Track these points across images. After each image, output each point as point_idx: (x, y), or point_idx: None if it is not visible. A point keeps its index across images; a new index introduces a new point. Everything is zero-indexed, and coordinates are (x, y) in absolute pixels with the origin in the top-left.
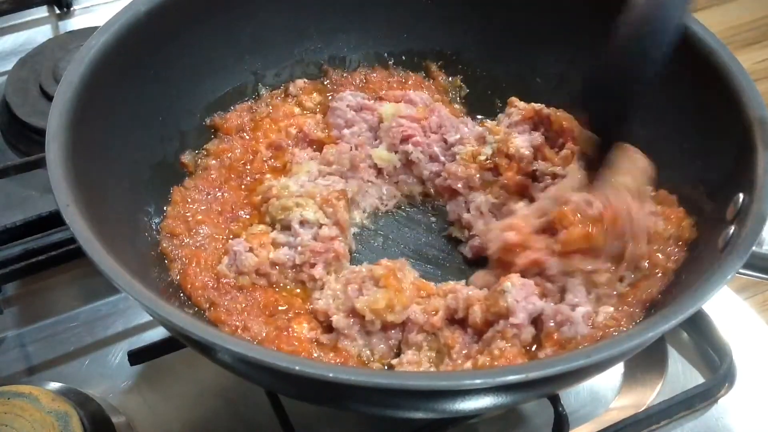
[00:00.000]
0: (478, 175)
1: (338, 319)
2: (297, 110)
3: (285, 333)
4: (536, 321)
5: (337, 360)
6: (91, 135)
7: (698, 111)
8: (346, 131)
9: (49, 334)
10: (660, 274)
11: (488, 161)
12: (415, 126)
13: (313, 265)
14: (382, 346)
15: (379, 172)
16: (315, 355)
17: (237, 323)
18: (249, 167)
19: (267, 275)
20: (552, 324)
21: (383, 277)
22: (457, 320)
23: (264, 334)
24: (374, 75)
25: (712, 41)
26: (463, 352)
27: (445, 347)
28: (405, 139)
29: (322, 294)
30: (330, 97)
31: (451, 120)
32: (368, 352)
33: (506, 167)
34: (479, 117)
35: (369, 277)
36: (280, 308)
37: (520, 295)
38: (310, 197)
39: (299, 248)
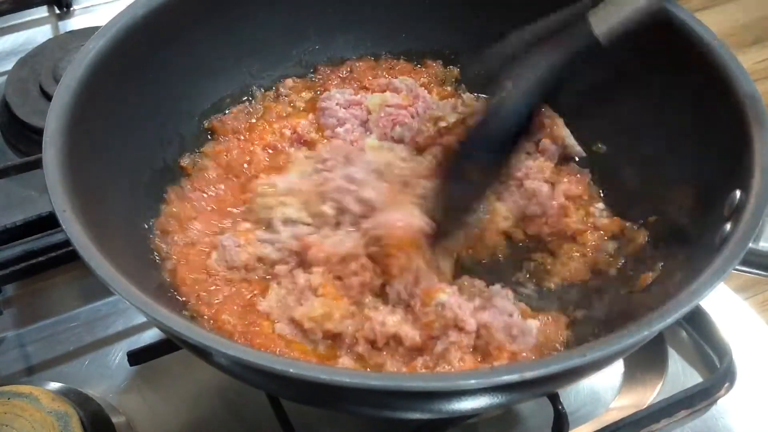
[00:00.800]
0: (427, 133)
1: (281, 327)
2: (290, 110)
3: (255, 328)
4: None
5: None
6: (88, 139)
7: (695, 109)
8: (339, 129)
9: (48, 334)
10: None
11: (446, 126)
12: (403, 113)
13: (285, 263)
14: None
15: None
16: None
17: (213, 317)
18: (246, 167)
19: (256, 270)
20: (502, 336)
21: (321, 286)
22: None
23: (236, 328)
24: (359, 65)
25: (710, 39)
26: (403, 369)
27: (376, 366)
28: (394, 127)
29: (266, 299)
30: (319, 93)
31: (438, 104)
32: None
33: (452, 131)
34: None
35: (307, 287)
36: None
37: (459, 303)
38: (295, 195)
39: (277, 245)
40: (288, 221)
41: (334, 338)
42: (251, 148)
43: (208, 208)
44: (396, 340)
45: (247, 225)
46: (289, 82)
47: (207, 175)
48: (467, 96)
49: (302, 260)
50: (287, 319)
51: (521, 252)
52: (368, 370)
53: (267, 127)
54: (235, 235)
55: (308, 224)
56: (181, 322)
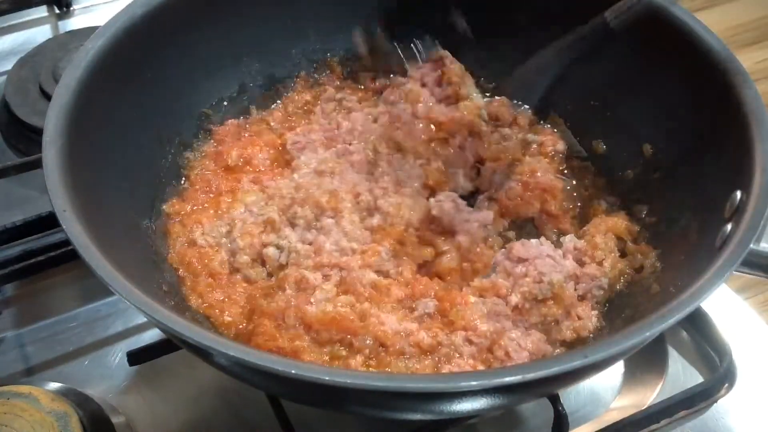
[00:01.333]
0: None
1: (287, 327)
2: (289, 110)
3: (258, 328)
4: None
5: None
6: (88, 139)
7: (696, 109)
8: (338, 131)
9: (48, 335)
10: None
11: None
12: (406, 114)
13: (294, 264)
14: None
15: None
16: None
17: (214, 317)
18: (246, 167)
19: (258, 271)
20: (506, 341)
21: (331, 288)
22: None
23: (238, 329)
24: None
25: (710, 39)
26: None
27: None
28: (396, 130)
29: (275, 299)
30: (319, 93)
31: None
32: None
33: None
34: None
35: (316, 288)
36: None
37: (489, 304)
38: (295, 196)
39: (285, 249)
40: (294, 225)
41: (342, 340)
42: (251, 149)
43: (208, 209)
44: (405, 341)
45: (249, 226)
46: (289, 82)
47: (207, 175)
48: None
49: (313, 262)
50: (294, 319)
51: None
52: (370, 370)
53: (266, 127)
54: (236, 236)
55: (313, 226)
56: (181, 322)
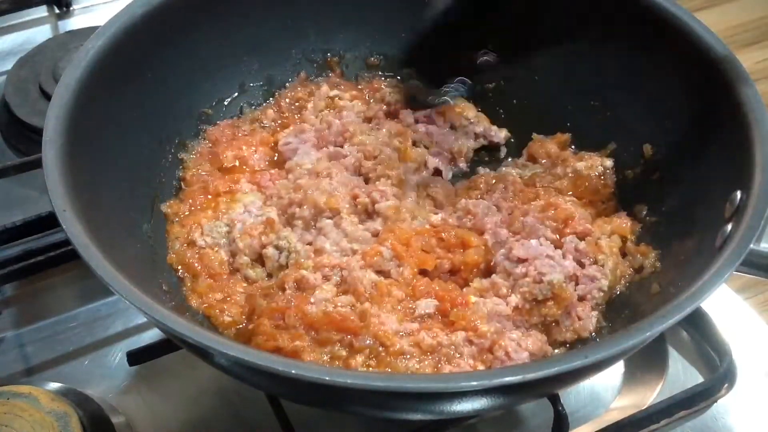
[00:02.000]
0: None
1: (287, 326)
2: (289, 110)
3: (258, 328)
4: None
5: None
6: (88, 139)
7: (695, 109)
8: (329, 131)
9: (48, 335)
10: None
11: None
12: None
13: (295, 265)
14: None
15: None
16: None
17: (214, 316)
18: (244, 168)
19: (257, 271)
20: (507, 341)
21: (330, 287)
22: None
23: (238, 328)
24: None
25: (710, 39)
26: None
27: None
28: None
29: (275, 299)
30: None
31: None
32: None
33: None
34: None
35: (316, 288)
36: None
37: (489, 305)
38: (301, 199)
39: (285, 250)
40: (289, 223)
41: (342, 340)
42: (246, 150)
43: (207, 209)
44: (405, 341)
45: (248, 227)
46: (288, 82)
47: (206, 175)
48: None
49: (313, 262)
50: (295, 319)
51: None
52: (371, 370)
53: (259, 126)
54: (236, 237)
55: (312, 227)
56: (181, 322)
